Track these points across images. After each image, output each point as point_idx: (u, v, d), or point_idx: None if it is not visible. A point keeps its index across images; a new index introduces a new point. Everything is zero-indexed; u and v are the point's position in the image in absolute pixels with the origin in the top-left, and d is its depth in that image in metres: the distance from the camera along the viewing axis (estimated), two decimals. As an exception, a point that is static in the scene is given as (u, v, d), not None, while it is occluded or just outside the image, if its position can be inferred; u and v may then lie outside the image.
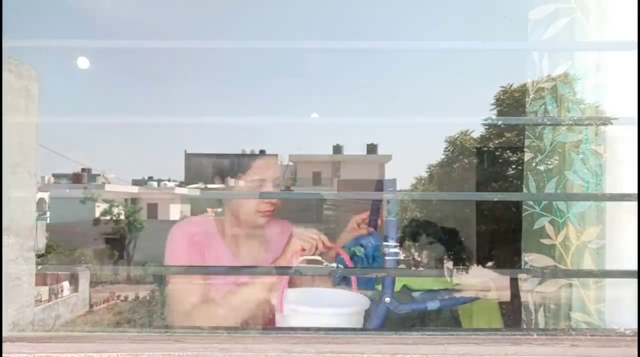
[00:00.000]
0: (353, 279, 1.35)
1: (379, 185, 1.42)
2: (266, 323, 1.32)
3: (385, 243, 1.26)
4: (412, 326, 1.04)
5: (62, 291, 9.69)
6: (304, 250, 1.35)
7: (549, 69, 1.23)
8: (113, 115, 1.23)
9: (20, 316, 0.95)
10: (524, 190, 1.28)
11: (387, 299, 1.26)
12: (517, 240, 1.26)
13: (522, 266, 1.24)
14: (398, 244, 1.27)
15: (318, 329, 0.95)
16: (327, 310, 1.20)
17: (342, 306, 1.23)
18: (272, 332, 0.96)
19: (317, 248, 1.36)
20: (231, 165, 1.49)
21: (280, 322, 1.20)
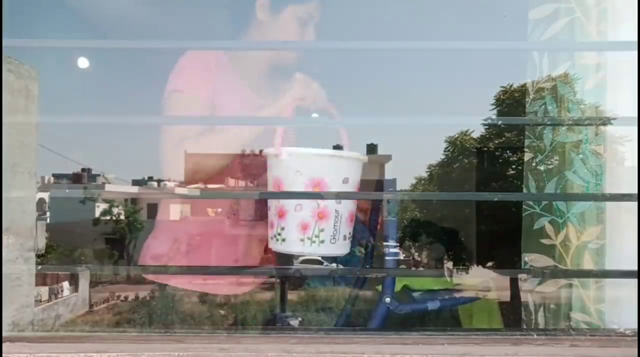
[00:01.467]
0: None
1: (379, 185, 1.42)
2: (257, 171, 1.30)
3: (385, 243, 1.26)
4: (412, 326, 1.04)
5: (62, 291, 9.68)
6: (302, 99, 1.29)
7: (549, 69, 1.24)
8: (113, 115, 1.23)
9: (20, 316, 0.95)
10: (524, 190, 1.28)
11: (388, 299, 1.26)
12: (517, 240, 1.26)
13: (522, 266, 1.24)
14: (398, 244, 1.27)
15: (318, 329, 0.95)
16: (328, 151, 1.18)
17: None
18: (272, 332, 0.96)
19: (314, 101, 1.30)
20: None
21: (274, 167, 1.19)
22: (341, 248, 1.20)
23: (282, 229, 1.17)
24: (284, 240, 1.17)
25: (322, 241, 1.16)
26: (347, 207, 1.19)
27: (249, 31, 1.46)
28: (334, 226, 1.16)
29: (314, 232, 1.15)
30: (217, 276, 1.48)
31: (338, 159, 1.19)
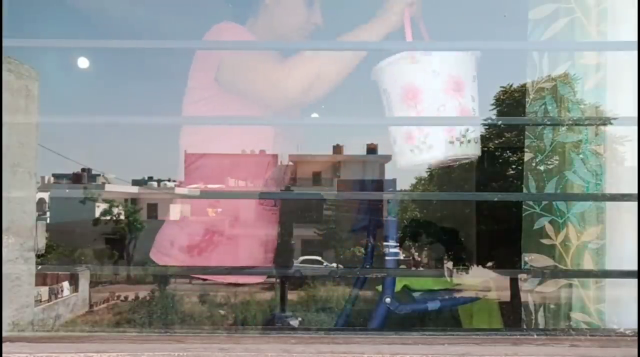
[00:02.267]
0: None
1: (379, 185, 1.42)
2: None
3: (385, 243, 1.26)
4: (412, 326, 1.04)
5: (62, 291, 9.68)
6: None
7: (549, 69, 1.23)
8: (113, 115, 1.23)
9: (20, 316, 0.95)
10: (524, 190, 1.28)
11: (388, 300, 1.26)
12: (517, 240, 1.26)
13: (522, 266, 1.24)
14: (398, 244, 1.27)
15: (318, 329, 0.95)
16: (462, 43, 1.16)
17: None
18: (272, 332, 0.96)
19: None
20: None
21: (405, 73, 1.15)
22: (478, 148, 1.18)
23: (427, 135, 1.12)
24: (430, 146, 1.12)
25: (469, 141, 1.13)
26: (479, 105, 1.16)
27: (257, 14, 1.45)
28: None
29: (461, 132, 1.11)
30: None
31: (470, 55, 1.16)
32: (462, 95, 1.13)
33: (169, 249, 1.47)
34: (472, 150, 1.16)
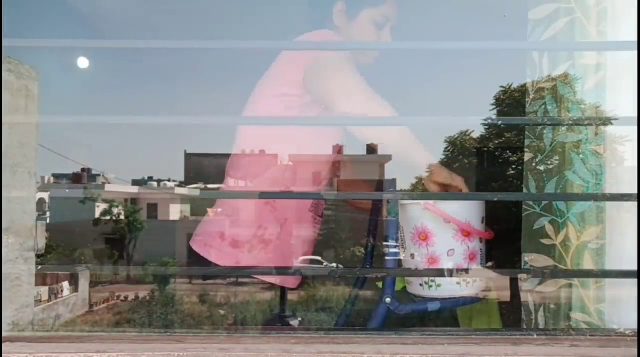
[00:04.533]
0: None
1: (379, 185, 1.42)
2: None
3: (385, 243, 1.26)
4: (412, 326, 1.04)
5: (62, 291, 9.67)
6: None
7: (549, 69, 1.23)
8: (113, 116, 1.23)
9: (20, 316, 0.96)
10: (524, 190, 1.28)
11: (388, 300, 1.26)
12: (517, 240, 1.26)
13: (522, 266, 1.24)
14: (398, 244, 1.27)
15: (318, 329, 0.95)
16: (475, 194, 1.30)
17: None
18: (272, 332, 0.96)
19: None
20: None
21: (418, 216, 1.26)
22: (484, 286, 1.30)
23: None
24: (439, 286, 1.25)
25: (475, 281, 1.24)
26: (486, 246, 1.29)
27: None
28: (480, 264, 1.27)
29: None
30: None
31: (476, 201, 1.29)
32: (472, 239, 1.24)
33: (218, 242, 1.47)
34: (479, 290, 1.29)
